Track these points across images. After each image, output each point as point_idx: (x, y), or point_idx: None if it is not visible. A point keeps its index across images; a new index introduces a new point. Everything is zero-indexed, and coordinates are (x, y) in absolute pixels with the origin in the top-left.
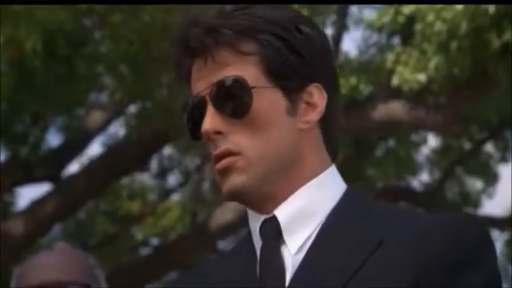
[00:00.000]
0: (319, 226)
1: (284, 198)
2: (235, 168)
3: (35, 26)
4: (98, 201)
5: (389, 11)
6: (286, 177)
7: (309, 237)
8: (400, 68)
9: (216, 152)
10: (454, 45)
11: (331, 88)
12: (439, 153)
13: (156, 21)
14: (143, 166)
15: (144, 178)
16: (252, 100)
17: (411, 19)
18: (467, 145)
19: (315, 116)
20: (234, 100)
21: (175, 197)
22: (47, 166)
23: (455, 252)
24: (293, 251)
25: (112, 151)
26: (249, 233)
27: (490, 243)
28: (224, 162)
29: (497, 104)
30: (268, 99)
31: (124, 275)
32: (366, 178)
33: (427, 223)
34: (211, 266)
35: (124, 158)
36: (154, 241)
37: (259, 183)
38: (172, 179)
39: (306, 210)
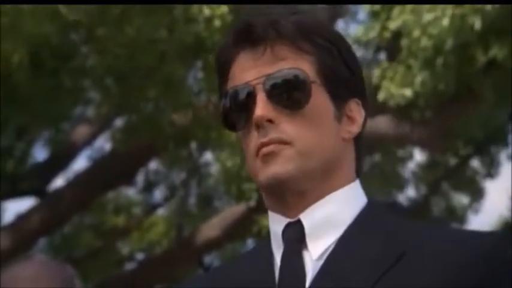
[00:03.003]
0: (342, 234)
1: (313, 200)
2: (282, 155)
3: (21, 39)
4: (83, 215)
5: (375, 26)
6: (322, 179)
7: (331, 245)
8: (386, 83)
9: (265, 139)
10: (439, 61)
11: (366, 107)
12: (425, 168)
13: (143, 35)
14: (129, 180)
15: (130, 192)
16: (311, 95)
17: (397, 35)
18: (453, 160)
19: (355, 129)
20: (292, 91)
21: (161, 212)
22: (33, 180)
23: (481, 270)
24: (315, 256)
25: (98, 165)
26: (267, 238)
27: (510, 264)
28: (272, 147)
29: (483, 120)
30: (322, 99)
31: None
32: None
33: (451, 240)
34: (225, 270)
35: (110, 172)
36: (140, 255)
37: (301, 177)
38: (158, 194)
39: (331, 218)
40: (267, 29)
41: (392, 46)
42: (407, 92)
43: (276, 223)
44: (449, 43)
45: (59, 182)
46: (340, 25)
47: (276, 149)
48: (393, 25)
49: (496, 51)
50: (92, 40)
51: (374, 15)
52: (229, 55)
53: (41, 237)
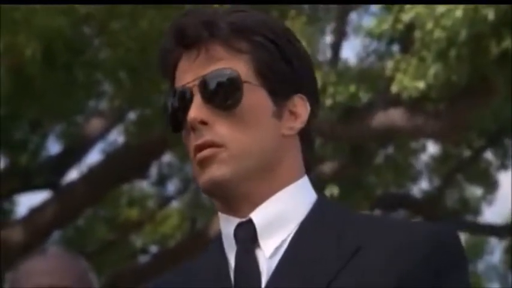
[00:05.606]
0: (294, 231)
1: (259, 200)
2: (217, 159)
3: (34, 33)
4: (97, 209)
5: (388, 18)
6: (264, 178)
7: (283, 241)
8: (399, 76)
9: (198, 141)
10: (453, 52)
11: (313, 102)
12: (439, 160)
13: (155, 28)
14: (142, 173)
15: (144, 185)
16: (243, 94)
17: (410, 27)
18: (466, 152)
19: (298, 124)
20: (225, 92)
21: (175, 205)
22: (46, 173)
23: (434, 260)
24: (268, 254)
25: (111, 158)
26: (219, 240)
27: (464, 252)
28: (206, 152)
29: (496, 111)
30: (257, 98)
31: (123, 283)
32: (365, 186)
33: (405, 231)
34: (179, 276)
35: (123, 165)
36: (153, 248)
37: (239, 178)
38: (172, 187)
39: (282, 215)
40: (199, 30)
41: (405, 38)
42: (421, 84)
43: (227, 224)
44: (462, 34)
45: (72, 175)
46: (352, 17)
47: (210, 153)
48: (406, 17)
49: (509, 42)
50: (104, 33)
51: (387, 7)
52: (170, 58)
53: (55, 230)
